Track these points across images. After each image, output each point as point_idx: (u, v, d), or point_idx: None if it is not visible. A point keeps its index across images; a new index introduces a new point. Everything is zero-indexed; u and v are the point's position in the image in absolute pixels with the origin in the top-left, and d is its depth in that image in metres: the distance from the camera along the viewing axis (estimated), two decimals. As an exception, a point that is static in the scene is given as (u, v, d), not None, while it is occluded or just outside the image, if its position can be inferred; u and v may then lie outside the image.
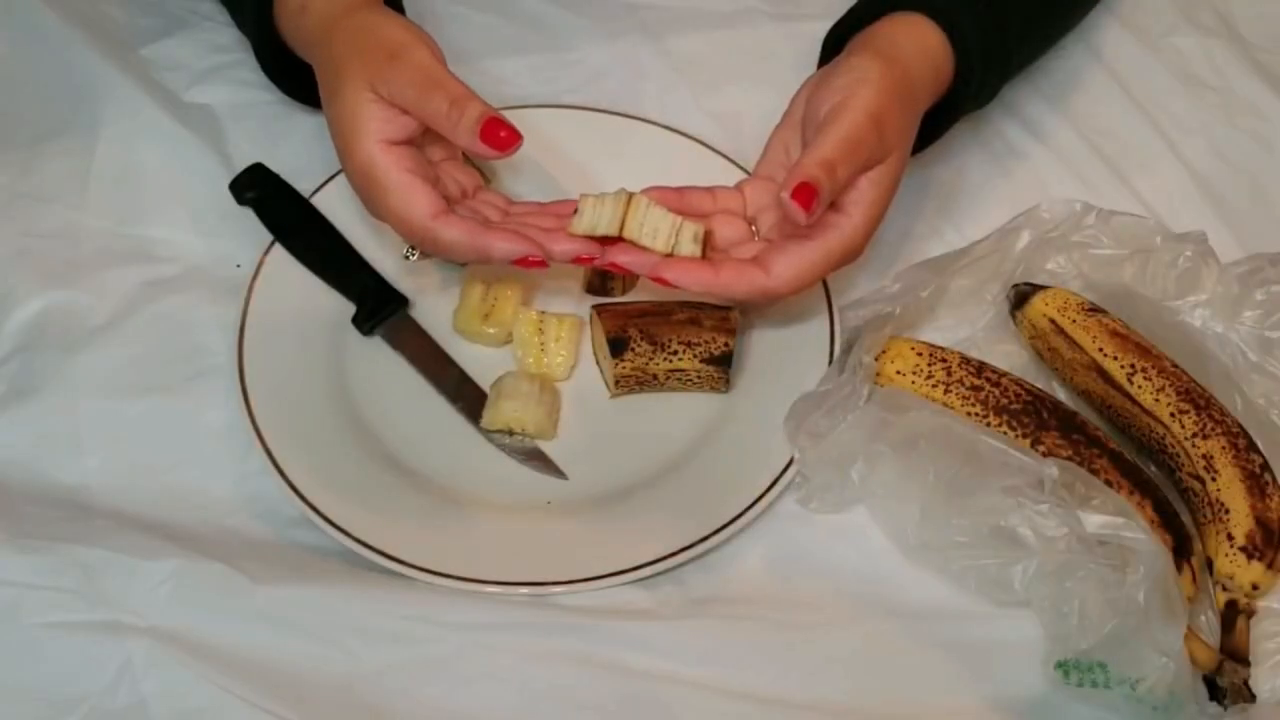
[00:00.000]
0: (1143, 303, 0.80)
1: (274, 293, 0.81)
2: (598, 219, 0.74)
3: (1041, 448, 0.74)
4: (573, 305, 0.84)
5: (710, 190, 0.78)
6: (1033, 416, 0.75)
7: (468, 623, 0.69)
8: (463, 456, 0.78)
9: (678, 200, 0.76)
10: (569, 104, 0.92)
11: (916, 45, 0.78)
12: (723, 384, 0.79)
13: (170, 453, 0.76)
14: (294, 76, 0.84)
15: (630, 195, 0.74)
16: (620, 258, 0.74)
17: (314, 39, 0.77)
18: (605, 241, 0.74)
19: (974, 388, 0.77)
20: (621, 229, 0.73)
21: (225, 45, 0.93)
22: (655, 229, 0.74)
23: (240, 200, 0.85)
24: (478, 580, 0.71)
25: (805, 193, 0.70)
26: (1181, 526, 0.73)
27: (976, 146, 0.93)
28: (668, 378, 0.79)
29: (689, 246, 0.74)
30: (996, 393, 0.76)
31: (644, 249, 0.74)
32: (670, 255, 0.74)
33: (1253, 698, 0.69)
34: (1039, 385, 0.78)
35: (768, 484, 0.75)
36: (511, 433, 0.78)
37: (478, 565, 0.71)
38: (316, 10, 0.77)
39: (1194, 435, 0.75)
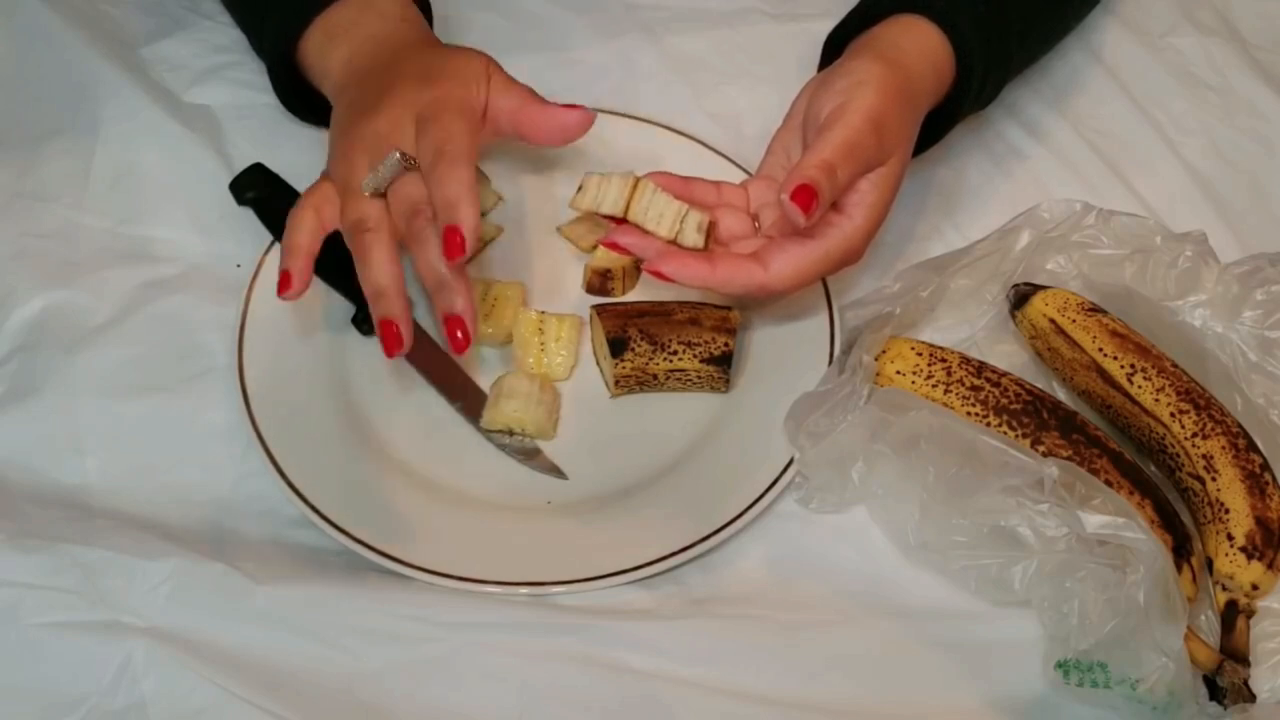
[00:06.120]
0: (1143, 303, 0.80)
1: (274, 293, 0.81)
2: (601, 198, 0.74)
3: (1041, 448, 0.74)
4: (573, 305, 0.84)
5: (715, 184, 0.79)
6: (1033, 416, 0.75)
7: (468, 623, 0.69)
8: (463, 456, 0.78)
9: (683, 189, 0.77)
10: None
11: (917, 47, 0.78)
12: (723, 384, 0.79)
13: (170, 453, 0.76)
14: (302, 99, 0.85)
15: (637, 179, 0.74)
16: (623, 239, 0.75)
17: (351, 60, 0.79)
18: (614, 221, 0.75)
19: (974, 388, 0.77)
20: (626, 211, 0.74)
21: (225, 45, 0.93)
22: (660, 215, 0.74)
23: (240, 200, 0.85)
24: (478, 580, 0.71)
25: (805, 194, 0.70)
26: (1181, 526, 0.73)
27: (977, 147, 0.93)
28: (668, 378, 0.79)
29: (693, 236, 0.74)
30: (996, 393, 0.76)
31: (647, 233, 0.74)
32: (673, 242, 0.74)
33: (1253, 698, 0.69)
34: (1039, 385, 0.78)
35: (768, 484, 0.75)
36: (511, 433, 0.78)
37: (478, 565, 0.71)
38: (359, 40, 0.79)
39: (1194, 435, 0.75)
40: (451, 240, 0.69)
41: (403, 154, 0.72)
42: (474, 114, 0.75)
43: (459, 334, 0.71)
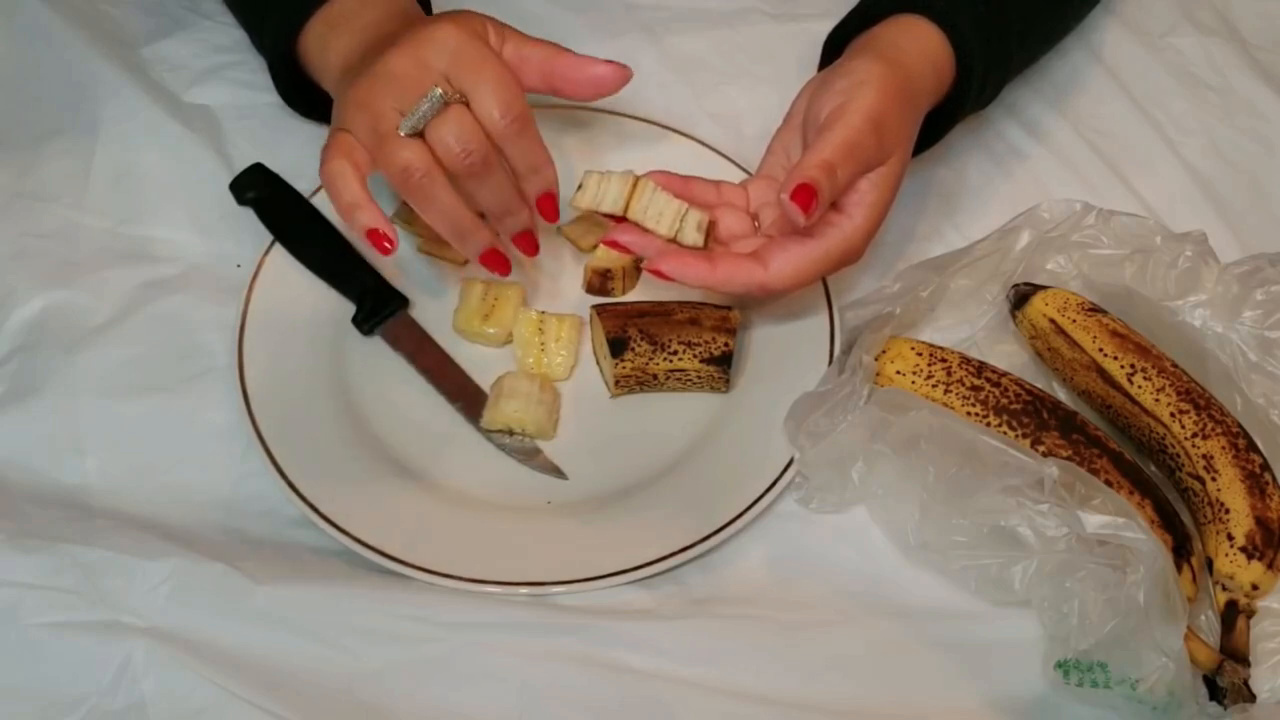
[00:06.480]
0: (1143, 303, 0.80)
1: (274, 293, 0.81)
2: (601, 196, 0.74)
3: (1041, 448, 0.74)
4: (573, 305, 0.84)
5: (715, 183, 0.79)
6: (1033, 416, 0.75)
7: (468, 623, 0.69)
8: (463, 456, 0.78)
9: (683, 188, 0.77)
10: (569, 104, 0.91)
11: (917, 47, 0.78)
12: (723, 384, 0.79)
13: (170, 453, 0.77)
14: (304, 95, 0.85)
15: (637, 178, 0.74)
16: (623, 237, 0.75)
17: (350, 50, 0.78)
18: (614, 220, 0.75)
19: (974, 388, 0.77)
20: (626, 210, 0.74)
21: (225, 45, 0.93)
22: (660, 213, 0.74)
23: (240, 200, 0.85)
24: (478, 580, 0.71)
25: (804, 194, 0.70)
26: (1181, 526, 0.73)
27: (977, 147, 0.93)
28: (668, 378, 0.79)
29: (692, 235, 0.74)
30: (996, 393, 0.76)
31: (647, 232, 0.74)
32: (673, 241, 0.74)
33: (1253, 698, 0.69)
34: (1039, 385, 0.78)
35: (768, 484, 0.75)
36: (511, 433, 0.78)
37: (478, 565, 0.71)
38: (358, 29, 0.79)
39: (1194, 435, 0.75)
40: (547, 206, 0.76)
41: (444, 92, 0.71)
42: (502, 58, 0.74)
43: (533, 247, 0.78)
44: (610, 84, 0.76)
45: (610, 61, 0.76)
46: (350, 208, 0.72)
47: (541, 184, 0.75)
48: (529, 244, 0.78)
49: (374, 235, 0.72)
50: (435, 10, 0.86)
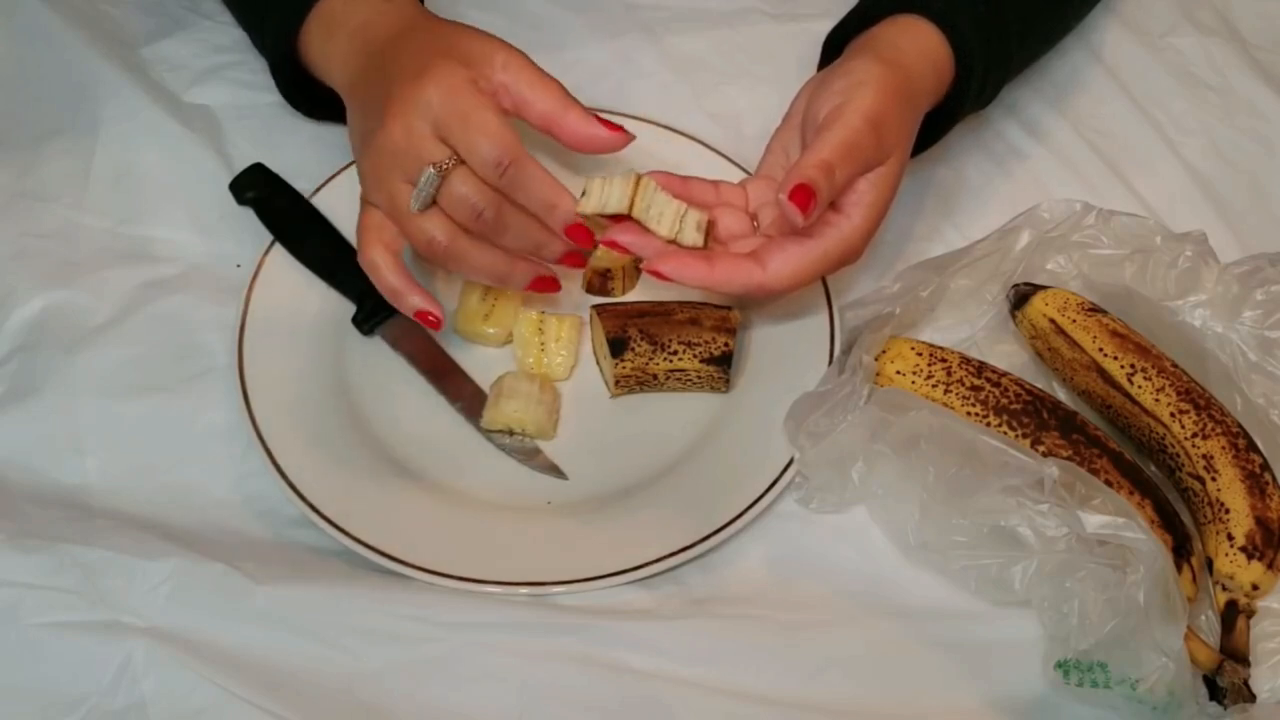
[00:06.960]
0: (1143, 303, 0.80)
1: (274, 293, 0.81)
2: (606, 198, 0.74)
3: (1041, 448, 0.74)
4: (573, 305, 0.84)
5: (714, 183, 0.79)
6: (1033, 416, 0.75)
7: (468, 623, 0.69)
8: (463, 456, 0.78)
9: (682, 189, 0.77)
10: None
11: (917, 47, 0.78)
12: (723, 384, 0.79)
13: (170, 453, 0.77)
14: (307, 94, 0.85)
15: (639, 177, 0.74)
16: (622, 237, 0.74)
17: (348, 56, 0.78)
18: (613, 220, 0.75)
19: (974, 388, 0.77)
20: (631, 208, 0.74)
21: (225, 45, 0.93)
22: (660, 213, 0.74)
23: (240, 200, 0.85)
24: (478, 580, 0.71)
25: (802, 194, 0.70)
26: (1181, 526, 0.73)
27: (977, 147, 0.93)
28: (668, 378, 0.79)
29: (692, 235, 0.74)
30: (996, 393, 0.76)
31: (648, 231, 0.74)
32: (673, 241, 0.74)
33: (1253, 698, 0.69)
34: (1039, 385, 0.78)
35: (768, 484, 0.75)
36: (511, 433, 0.78)
37: (478, 565, 0.71)
38: (352, 31, 0.79)
39: (1194, 435, 0.75)
40: (580, 236, 0.75)
41: (436, 165, 0.71)
42: (489, 95, 0.73)
43: (581, 262, 0.78)
44: (609, 146, 0.75)
45: (616, 127, 0.74)
46: (395, 294, 0.75)
47: (561, 219, 0.74)
48: (576, 261, 0.78)
49: (422, 316, 0.75)
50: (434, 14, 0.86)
